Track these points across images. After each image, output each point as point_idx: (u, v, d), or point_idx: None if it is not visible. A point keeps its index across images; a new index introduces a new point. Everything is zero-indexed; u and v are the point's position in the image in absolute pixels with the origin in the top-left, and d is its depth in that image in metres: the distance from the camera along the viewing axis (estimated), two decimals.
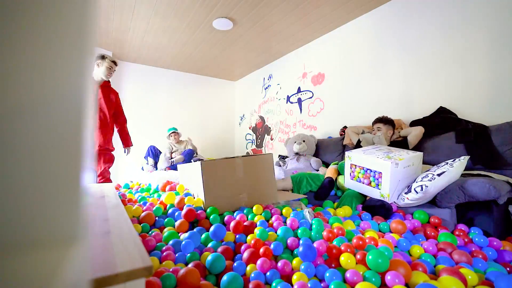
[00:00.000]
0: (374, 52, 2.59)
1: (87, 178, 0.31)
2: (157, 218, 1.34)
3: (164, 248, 1.04)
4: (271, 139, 4.06)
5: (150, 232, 1.18)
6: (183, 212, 1.26)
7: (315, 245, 1.01)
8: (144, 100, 4.16)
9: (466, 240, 1.15)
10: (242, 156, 1.66)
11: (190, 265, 0.92)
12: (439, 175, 1.31)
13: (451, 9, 2.05)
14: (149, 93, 4.20)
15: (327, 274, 0.85)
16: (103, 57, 2.20)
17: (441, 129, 1.92)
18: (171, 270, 0.87)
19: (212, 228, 1.14)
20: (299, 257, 0.95)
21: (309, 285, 0.83)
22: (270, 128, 4.11)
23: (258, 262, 0.95)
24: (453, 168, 1.32)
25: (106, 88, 2.30)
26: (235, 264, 0.96)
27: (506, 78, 1.76)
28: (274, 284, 0.85)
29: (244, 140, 4.84)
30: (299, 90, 3.54)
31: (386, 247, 0.92)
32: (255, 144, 4.48)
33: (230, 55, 3.79)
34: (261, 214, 1.37)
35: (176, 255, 1.00)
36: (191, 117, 4.63)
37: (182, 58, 3.91)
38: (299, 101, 3.52)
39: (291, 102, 3.67)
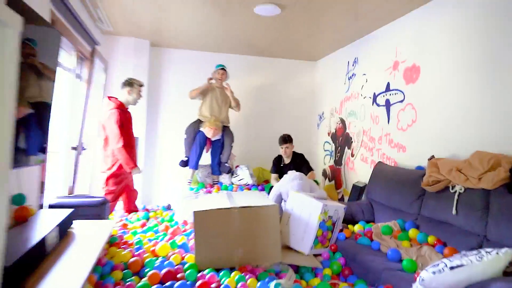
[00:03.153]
0: (500, 40, 2.43)
1: None
2: (144, 267, 2.12)
3: None
4: (352, 155, 4.32)
5: (127, 280, 1.96)
6: (162, 272, 1.97)
7: None
8: (183, 89, 4.89)
9: None
10: (240, 208, 2.23)
11: None
12: (452, 268, 1.51)
13: None
14: (195, 79, 4.87)
15: None
16: (131, 84, 3.37)
17: None
18: None
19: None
20: None
21: None
22: (351, 138, 4.37)
23: None
24: (480, 264, 1.48)
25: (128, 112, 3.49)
26: None
27: None
28: None
29: (321, 150, 5.24)
30: (388, 88, 3.67)
31: None
32: (334, 158, 4.81)
33: (301, 31, 4.20)
34: (234, 280, 1.93)
35: None
36: (251, 113, 5.38)
37: (231, 41, 4.68)
38: (387, 104, 3.66)
39: (378, 105, 3.83)
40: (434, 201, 2.62)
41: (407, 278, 1.95)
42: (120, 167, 3.34)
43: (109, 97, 3.46)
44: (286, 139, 4.09)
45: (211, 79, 4.35)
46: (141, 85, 3.52)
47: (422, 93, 3.16)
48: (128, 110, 3.53)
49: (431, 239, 2.45)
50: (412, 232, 2.60)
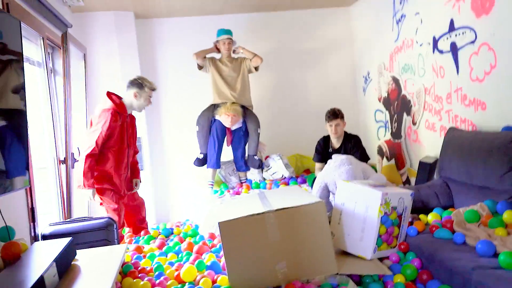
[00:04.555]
0: None
1: None
2: None
3: None
4: (413, 123, 4.17)
5: None
6: None
7: None
8: (187, 67, 4.96)
9: None
10: (276, 210, 2.17)
11: None
12: None
13: None
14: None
15: None
16: (141, 86, 3.39)
17: None
18: None
19: None
20: None
21: None
22: (410, 101, 4.21)
23: None
24: None
25: (131, 116, 3.57)
26: None
27: None
28: None
29: (372, 122, 5.09)
30: (452, 27, 3.47)
31: None
32: (390, 131, 4.67)
33: None
34: None
35: None
36: (273, 86, 5.34)
37: None
38: (454, 48, 3.47)
39: (441, 51, 3.65)
40: None
41: (508, 278, 1.82)
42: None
43: (109, 94, 3.39)
44: (336, 113, 3.96)
45: (218, 49, 4.35)
46: (153, 89, 3.55)
47: (501, 26, 2.93)
48: (129, 114, 3.55)
49: None
50: (508, 216, 2.42)
